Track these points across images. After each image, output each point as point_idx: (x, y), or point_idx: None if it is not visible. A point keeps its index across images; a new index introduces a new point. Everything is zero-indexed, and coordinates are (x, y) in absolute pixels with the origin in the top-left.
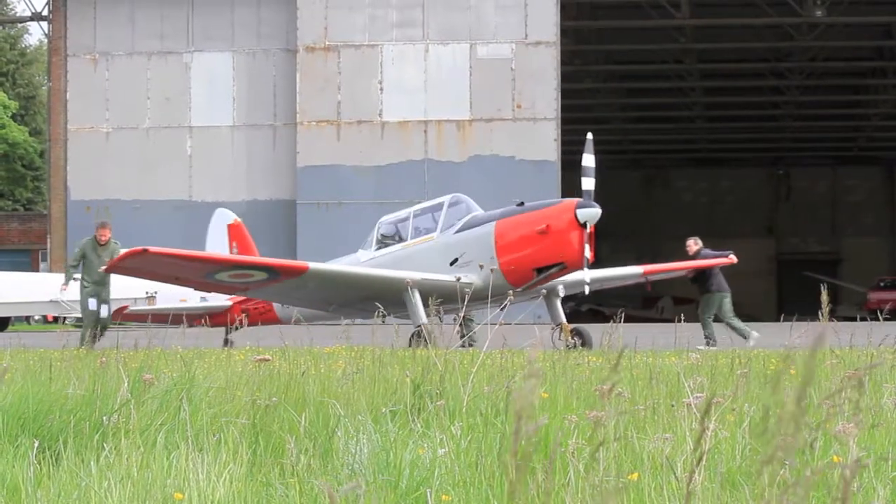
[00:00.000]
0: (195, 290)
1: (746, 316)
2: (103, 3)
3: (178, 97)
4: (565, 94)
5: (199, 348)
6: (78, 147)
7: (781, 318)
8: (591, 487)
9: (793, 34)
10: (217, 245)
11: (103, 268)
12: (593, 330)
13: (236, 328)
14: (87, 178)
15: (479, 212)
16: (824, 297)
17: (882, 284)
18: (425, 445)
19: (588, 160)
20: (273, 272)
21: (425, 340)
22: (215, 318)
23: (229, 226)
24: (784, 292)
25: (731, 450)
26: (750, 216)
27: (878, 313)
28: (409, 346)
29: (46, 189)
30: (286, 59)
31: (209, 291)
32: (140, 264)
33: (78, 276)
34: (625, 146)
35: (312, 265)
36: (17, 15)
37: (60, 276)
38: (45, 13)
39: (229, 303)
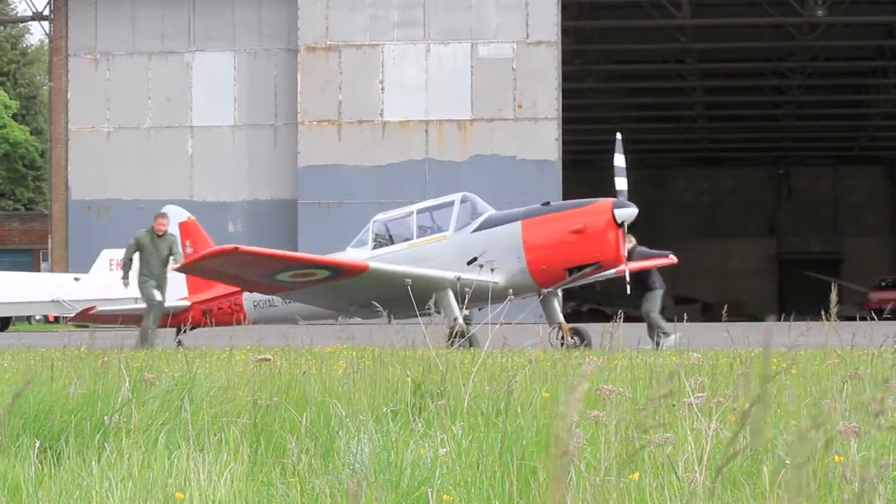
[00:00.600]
0: (246, 291)
1: (748, 315)
2: (104, 2)
3: (179, 97)
4: (566, 93)
5: (200, 348)
6: (79, 147)
7: (781, 318)
8: (592, 487)
9: (794, 34)
10: None
11: (175, 265)
12: (594, 330)
13: (186, 330)
14: (88, 178)
15: (492, 211)
16: (833, 297)
17: (883, 284)
18: (426, 445)
19: (619, 160)
20: (336, 271)
21: (465, 338)
22: (176, 317)
23: (181, 224)
24: (785, 292)
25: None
26: (751, 216)
27: (875, 312)
28: (449, 344)
29: (47, 189)
30: (287, 58)
31: (259, 292)
32: (217, 264)
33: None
34: (626, 146)
35: (372, 264)
36: (18, 15)
37: (62, 276)
38: (46, 13)
39: (188, 303)
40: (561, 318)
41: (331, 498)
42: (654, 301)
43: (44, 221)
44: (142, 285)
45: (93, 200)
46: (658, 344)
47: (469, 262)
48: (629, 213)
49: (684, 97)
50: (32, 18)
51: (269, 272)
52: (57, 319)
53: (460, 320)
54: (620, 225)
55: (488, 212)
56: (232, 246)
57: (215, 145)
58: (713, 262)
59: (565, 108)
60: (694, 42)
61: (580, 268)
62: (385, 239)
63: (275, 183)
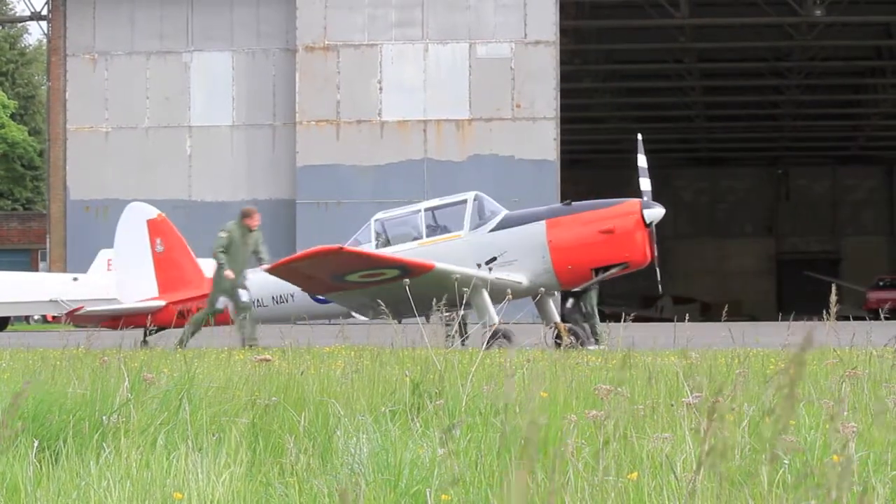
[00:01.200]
0: (308, 292)
1: (747, 315)
2: (102, 2)
3: (178, 97)
4: (564, 93)
5: (199, 348)
6: (77, 147)
7: (780, 318)
8: (590, 487)
9: (792, 34)
10: (133, 244)
11: (266, 266)
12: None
13: (154, 331)
14: (86, 178)
15: (506, 211)
16: (833, 298)
17: (881, 284)
18: (425, 445)
19: (642, 160)
20: (405, 270)
21: (507, 339)
22: (156, 317)
23: (150, 221)
24: (784, 292)
25: (730, 449)
26: (750, 216)
27: (873, 312)
28: (488, 346)
29: (46, 189)
30: (285, 58)
31: (318, 293)
32: (310, 264)
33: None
34: (624, 145)
35: (438, 264)
36: (17, 15)
37: (60, 276)
38: (44, 13)
39: (162, 302)
40: (557, 317)
41: (329, 498)
42: (591, 300)
43: (42, 221)
44: (217, 273)
45: (91, 200)
46: (597, 342)
47: (487, 262)
48: (657, 213)
49: (683, 97)
50: (31, 18)
51: (344, 272)
52: (56, 319)
53: (496, 319)
54: (648, 225)
55: (502, 211)
56: (337, 246)
57: (214, 145)
58: (711, 261)
59: (563, 107)
60: (692, 42)
61: (606, 268)
62: (395, 238)
63: (273, 183)
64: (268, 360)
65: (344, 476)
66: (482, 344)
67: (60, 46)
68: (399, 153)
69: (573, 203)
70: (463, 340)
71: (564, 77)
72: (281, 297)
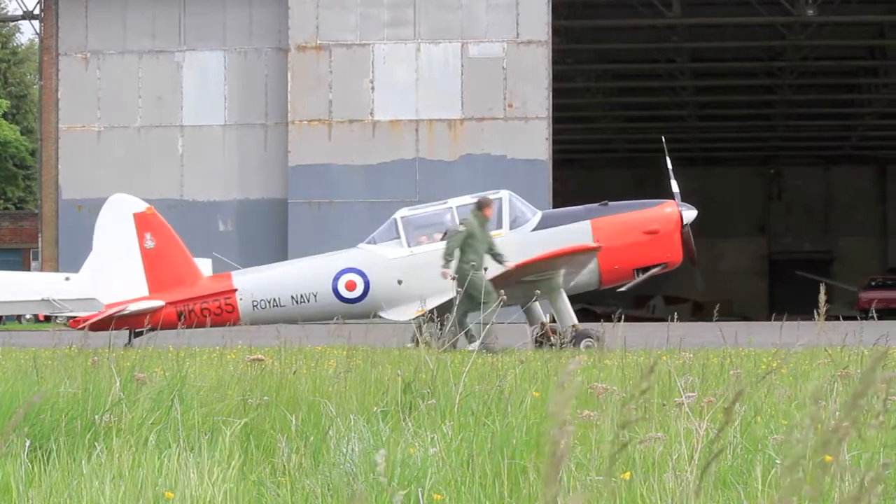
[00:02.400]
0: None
1: (739, 315)
2: (95, 2)
3: (170, 96)
4: (557, 93)
5: (191, 347)
6: (69, 146)
7: (772, 318)
8: (583, 487)
9: (785, 33)
10: (116, 239)
11: (511, 264)
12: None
13: (140, 332)
14: (78, 177)
15: (540, 211)
16: (822, 297)
17: (873, 284)
18: (416, 444)
19: (669, 162)
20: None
21: (597, 339)
22: (139, 318)
23: (137, 215)
24: (776, 292)
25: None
26: (742, 215)
27: (865, 312)
28: (573, 347)
29: (38, 188)
30: (277, 58)
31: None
32: (561, 262)
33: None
34: (616, 145)
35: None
36: (9, 14)
37: (52, 275)
38: (36, 12)
39: (161, 302)
40: (543, 317)
41: (321, 497)
42: (474, 302)
43: (34, 220)
44: (468, 273)
45: (83, 199)
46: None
47: None
48: (692, 214)
49: (675, 96)
50: (23, 17)
51: (566, 269)
52: (48, 319)
53: (576, 320)
54: (685, 226)
55: (537, 211)
56: (598, 244)
57: (206, 145)
58: (704, 261)
59: (556, 107)
60: (685, 41)
61: (647, 268)
62: (426, 236)
63: (265, 182)
64: (260, 360)
65: (336, 476)
66: (568, 345)
67: (53, 46)
68: (391, 153)
69: (609, 203)
70: (453, 342)
71: (556, 77)
72: (301, 296)
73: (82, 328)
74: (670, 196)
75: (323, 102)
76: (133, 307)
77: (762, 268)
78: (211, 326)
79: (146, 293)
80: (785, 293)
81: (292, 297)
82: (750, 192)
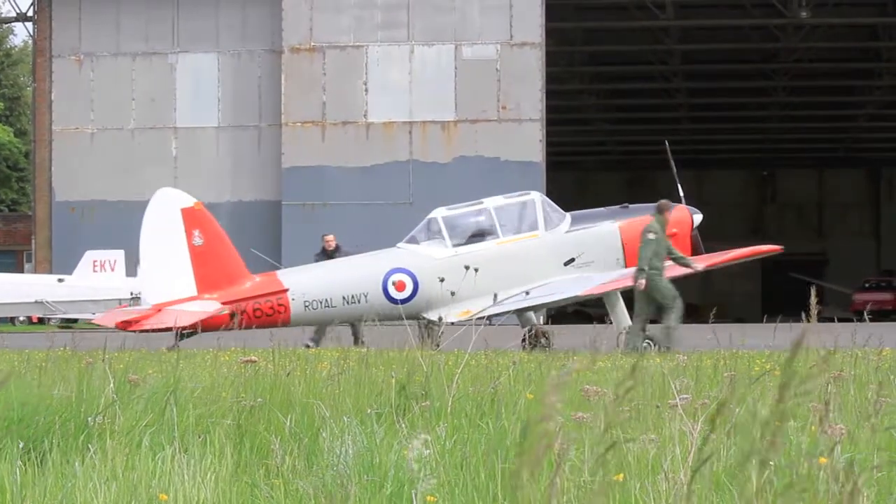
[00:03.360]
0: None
1: (732, 317)
2: (88, 4)
3: (163, 98)
4: (550, 95)
5: (184, 349)
6: (63, 148)
7: (764, 319)
8: (576, 488)
9: (778, 35)
10: (164, 235)
11: (700, 266)
12: (581, 331)
13: (189, 334)
14: (71, 179)
15: (561, 212)
16: (812, 299)
17: (867, 286)
18: (410, 446)
19: (674, 166)
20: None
21: (653, 341)
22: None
23: (185, 210)
24: (769, 293)
25: (717, 451)
26: (735, 217)
27: (858, 313)
28: (629, 350)
29: (31, 190)
30: (271, 59)
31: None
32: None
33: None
34: (610, 147)
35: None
36: (2, 16)
37: (45, 277)
38: (30, 14)
39: (219, 304)
40: (534, 320)
41: (314, 499)
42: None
43: (27, 222)
44: (655, 280)
45: (76, 201)
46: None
47: (566, 263)
48: (699, 217)
49: (668, 99)
50: (16, 19)
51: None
52: (41, 321)
53: (629, 322)
54: (694, 229)
55: (565, 213)
56: (779, 246)
57: (199, 146)
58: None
59: (549, 109)
60: (678, 44)
61: None
62: (468, 236)
63: (259, 184)
64: (253, 362)
65: (329, 478)
66: (624, 346)
67: (46, 47)
68: (385, 154)
69: (629, 206)
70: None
71: (550, 78)
72: (353, 297)
73: (135, 330)
74: (673, 199)
75: (316, 104)
76: (190, 307)
77: (756, 270)
78: (260, 327)
79: (194, 292)
80: (779, 295)
81: (343, 298)
82: (743, 194)
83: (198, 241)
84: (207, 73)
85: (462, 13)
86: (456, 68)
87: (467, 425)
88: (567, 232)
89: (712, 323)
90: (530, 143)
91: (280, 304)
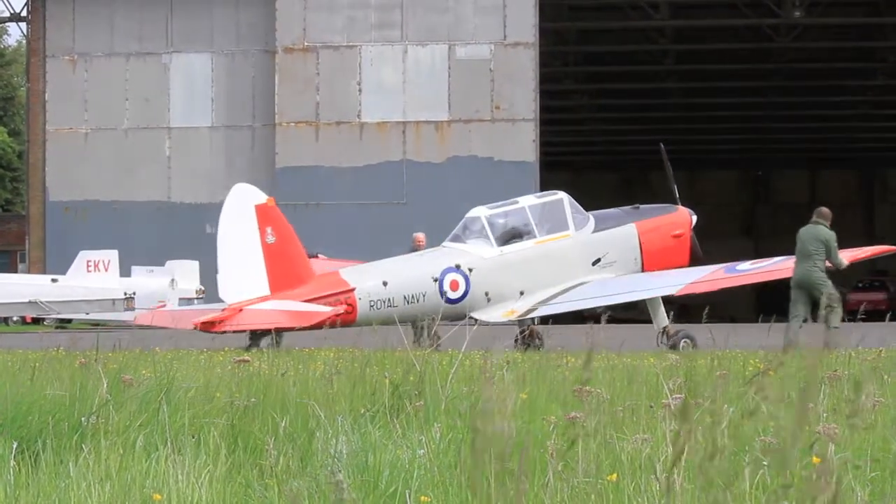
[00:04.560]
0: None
1: (725, 317)
2: (82, 4)
3: (157, 98)
4: (544, 95)
5: (178, 349)
6: (56, 148)
7: (760, 319)
8: (569, 488)
9: (771, 35)
10: (242, 231)
11: (846, 263)
12: (575, 331)
13: (265, 333)
14: (65, 179)
15: (584, 213)
16: (823, 301)
17: (860, 285)
18: (404, 446)
19: (669, 168)
20: None
21: (691, 340)
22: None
23: (259, 207)
24: (763, 294)
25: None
26: (728, 217)
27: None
28: (669, 348)
29: (25, 190)
30: (265, 60)
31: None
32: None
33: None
34: (603, 147)
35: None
36: None
37: (39, 277)
38: (23, 14)
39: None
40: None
41: (308, 499)
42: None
43: (21, 223)
44: (821, 277)
45: (70, 202)
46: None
47: (594, 263)
48: (695, 218)
49: (662, 99)
50: (10, 19)
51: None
52: (35, 321)
53: (668, 322)
54: (692, 230)
55: (588, 214)
56: (891, 248)
57: (193, 146)
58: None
59: (543, 109)
60: (672, 44)
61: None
62: (509, 235)
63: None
64: (246, 362)
65: (323, 478)
66: (665, 344)
67: (40, 48)
68: (378, 154)
69: (640, 207)
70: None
71: (544, 78)
72: (413, 296)
73: (219, 331)
74: (668, 199)
75: (310, 104)
76: (301, 307)
77: None
78: (330, 327)
79: (267, 292)
80: (772, 295)
81: (405, 297)
82: (736, 194)
83: (270, 238)
84: (201, 73)
85: (455, 13)
86: (449, 68)
87: (462, 426)
88: (593, 232)
89: (705, 322)
90: (524, 144)
91: (349, 304)
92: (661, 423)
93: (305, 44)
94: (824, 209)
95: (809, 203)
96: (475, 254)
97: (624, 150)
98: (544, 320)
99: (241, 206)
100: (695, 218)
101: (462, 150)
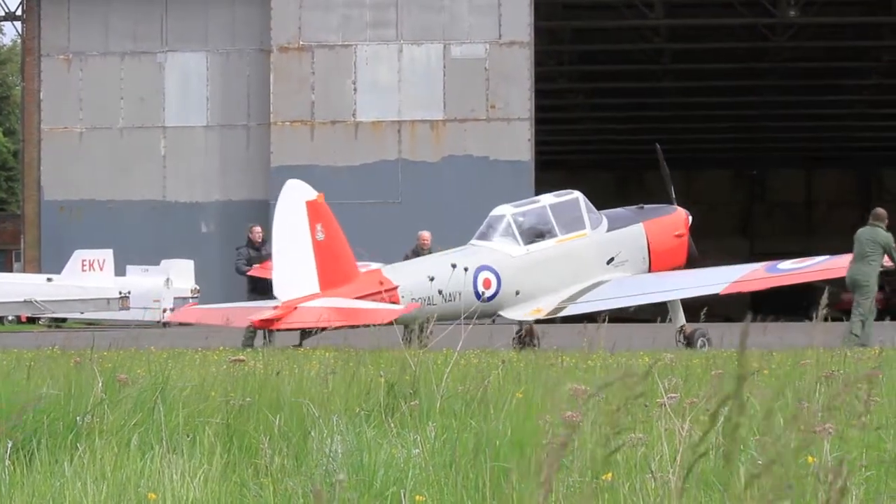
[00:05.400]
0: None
1: (721, 316)
2: (77, 3)
3: (152, 97)
4: (539, 94)
5: (174, 348)
6: (51, 147)
7: (759, 318)
8: (565, 487)
9: (767, 35)
10: (293, 227)
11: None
12: (569, 330)
13: (314, 332)
14: (60, 179)
15: (597, 212)
16: (824, 299)
17: None
18: (399, 446)
19: (665, 168)
20: None
21: (707, 339)
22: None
23: (310, 203)
24: (759, 293)
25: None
26: (724, 216)
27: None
28: (687, 346)
29: (20, 189)
30: (260, 59)
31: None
32: None
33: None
34: (599, 146)
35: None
36: None
37: (34, 276)
38: (18, 13)
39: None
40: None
41: (303, 498)
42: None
43: (16, 222)
44: (869, 289)
45: (65, 201)
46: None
47: (608, 262)
48: (690, 218)
49: (658, 98)
50: (5, 18)
51: None
52: (30, 320)
53: (685, 321)
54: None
55: (601, 212)
56: None
57: (188, 146)
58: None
59: (538, 108)
60: (667, 42)
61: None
62: (534, 234)
63: (247, 183)
64: (242, 361)
65: (318, 477)
66: (683, 344)
67: (35, 47)
68: (373, 154)
69: (644, 207)
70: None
71: (539, 78)
72: (450, 294)
73: (279, 329)
74: (663, 198)
75: (305, 103)
76: (370, 304)
77: None
78: (373, 325)
79: (317, 290)
80: (767, 294)
81: (442, 295)
82: (732, 193)
83: (320, 235)
84: (196, 72)
85: (451, 12)
86: (445, 67)
87: (457, 425)
88: (608, 231)
89: (703, 322)
90: (519, 143)
91: (392, 303)
92: (657, 422)
93: (300, 43)
94: (880, 210)
95: (805, 202)
96: (503, 252)
97: (619, 150)
98: (548, 320)
99: (294, 203)
100: (690, 218)
101: (457, 150)
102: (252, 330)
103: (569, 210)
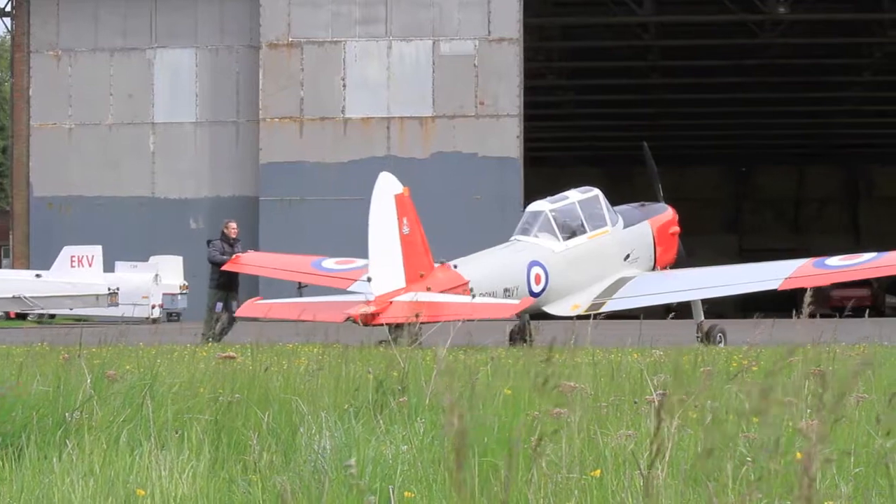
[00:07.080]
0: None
1: (713, 314)
2: None
3: (141, 94)
4: (528, 90)
5: (162, 345)
6: (41, 143)
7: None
8: (553, 484)
9: (756, 31)
10: (384, 221)
11: None
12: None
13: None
14: (49, 175)
15: (613, 209)
16: (807, 296)
17: (844, 281)
18: (388, 442)
19: (653, 166)
20: None
21: (723, 334)
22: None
23: (398, 197)
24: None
25: (693, 447)
26: (713, 213)
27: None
28: (706, 342)
29: (8, 185)
30: (249, 55)
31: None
32: None
33: None
34: (587, 143)
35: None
36: None
37: (23, 273)
38: (8, 9)
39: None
40: (527, 316)
41: (292, 495)
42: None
43: (5, 218)
44: None
45: (54, 197)
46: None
47: (625, 258)
48: (677, 217)
49: (646, 94)
50: None
51: None
52: (19, 316)
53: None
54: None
55: (614, 208)
56: None
57: (177, 142)
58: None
59: (527, 105)
60: (656, 39)
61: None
62: (568, 230)
63: (237, 180)
64: (231, 358)
65: (307, 473)
66: (701, 340)
67: (24, 43)
68: (362, 150)
69: (645, 204)
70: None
71: (528, 74)
72: (507, 290)
73: (378, 324)
74: (651, 196)
75: (294, 100)
76: (490, 300)
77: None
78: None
79: (403, 284)
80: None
81: (504, 290)
82: (721, 189)
83: (406, 229)
84: (185, 68)
85: (440, 9)
86: (434, 64)
87: (445, 421)
88: (625, 228)
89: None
90: (508, 139)
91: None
92: (646, 418)
93: (290, 39)
94: None
95: (795, 199)
96: (547, 247)
97: (608, 146)
98: (542, 316)
99: (385, 197)
100: (676, 216)
101: (446, 146)
102: (221, 320)
103: (593, 207)
